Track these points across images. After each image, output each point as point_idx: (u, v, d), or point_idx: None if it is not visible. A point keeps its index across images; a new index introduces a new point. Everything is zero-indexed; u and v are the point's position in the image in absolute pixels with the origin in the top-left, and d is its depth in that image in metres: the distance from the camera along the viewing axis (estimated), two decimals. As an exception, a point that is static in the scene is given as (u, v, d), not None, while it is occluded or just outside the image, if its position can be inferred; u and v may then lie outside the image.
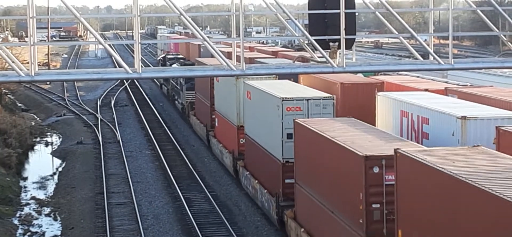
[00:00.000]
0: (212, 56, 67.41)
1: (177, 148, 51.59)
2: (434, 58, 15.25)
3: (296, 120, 28.35)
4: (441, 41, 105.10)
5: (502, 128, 21.05)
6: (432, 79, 40.31)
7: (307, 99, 30.88)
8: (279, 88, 33.76)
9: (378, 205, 20.95)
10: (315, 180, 26.17)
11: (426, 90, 32.39)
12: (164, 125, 61.26)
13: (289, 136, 29.93)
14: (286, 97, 30.91)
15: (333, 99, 30.87)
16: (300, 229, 27.53)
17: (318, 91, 32.83)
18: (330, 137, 24.22)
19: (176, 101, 68.48)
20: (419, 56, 15.67)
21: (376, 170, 20.91)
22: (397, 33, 15.51)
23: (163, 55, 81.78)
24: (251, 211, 35.98)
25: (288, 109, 30.70)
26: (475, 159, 17.47)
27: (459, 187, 15.71)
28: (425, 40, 15.81)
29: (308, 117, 29.80)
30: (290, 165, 29.62)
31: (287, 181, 30.23)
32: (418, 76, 41.57)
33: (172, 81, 69.65)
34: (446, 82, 38.93)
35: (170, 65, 68.86)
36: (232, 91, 40.83)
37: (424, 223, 17.47)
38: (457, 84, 36.77)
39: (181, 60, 72.76)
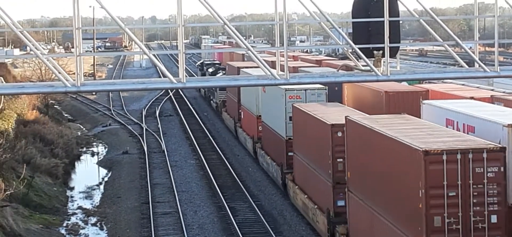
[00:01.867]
0: (244, 60, 68.47)
1: (222, 158, 51.74)
2: (480, 65, 15.11)
3: (294, 105, 36.52)
4: (487, 48, 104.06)
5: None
6: (477, 87, 39.94)
7: (305, 89, 38.75)
8: None
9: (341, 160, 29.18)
10: (306, 150, 34.44)
11: (472, 98, 32.09)
12: (209, 135, 61.45)
13: (290, 118, 37.96)
14: (288, 88, 38.44)
15: (326, 89, 38.54)
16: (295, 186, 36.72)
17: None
18: (311, 112, 33.17)
19: (212, 101, 76.97)
20: (464, 64, 15.54)
21: (339, 134, 29.32)
22: (442, 41, 15.40)
23: (202, 61, 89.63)
24: (296, 220, 35.96)
25: (290, 97, 38.68)
26: (399, 123, 24.93)
27: (380, 138, 23.64)
28: (470, 47, 15.67)
29: (306, 103, 37.83)
30: (291, 141, 37.80)
31: (289, 154, 38.33)
32: (463, 84, 41.21)
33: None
34: (492, 90, 38.54)
35: (207, 70, 79.23)
36: (253, 87, 46.72)
37: (358, 165, 25.96)
38: (503, 92, 36.40)
39: (217, 65, 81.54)
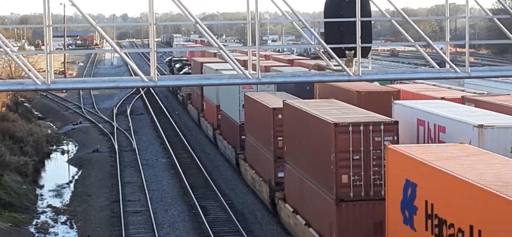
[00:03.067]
0: (204, 55, 72.43)
1: (192, 156, 51.72)
2: (451, 66, 15.17)
3: (246, 94, 41.93)
4: (458, 49, 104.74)
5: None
6: (448, 88, 40.18)
7: None
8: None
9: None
10: (254, 132, 40.08)
11: (443, 98, 32.26)
12: (180, 133, 61.37)
13: (243, 106, 43.25)
14: (223, 73, 43.59)
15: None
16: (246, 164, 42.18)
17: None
18: (258, 99, 38.79)
19: (178, 94, 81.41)
20: (435, 65, 15.59)
21: (279, 116, 34.76)
22: (413, 41, 15.44)
23: (170, 57, 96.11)
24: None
25: (243, 88, 43.26)
26: (324, 105, 30.29)
27: (306, 116, 28.95)
28: (442, 48, 15.73)
29: (257, 92, 42.29)
30: (244, 125, 43.26)
31: (242, 137, 43.49)
32: (434, 85, 41.43)
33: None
34: (463, 90, 38.80)
35: (174, 65, 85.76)
36: None
37: (292, 141, 31.35)
38: (474, 93, 36.63)
39: (184, 61, 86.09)
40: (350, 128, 25.40)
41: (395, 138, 25.37)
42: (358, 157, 25.35)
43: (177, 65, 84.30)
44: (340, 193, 25.42)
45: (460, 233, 16.73)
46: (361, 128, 25.44)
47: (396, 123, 25.85)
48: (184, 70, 77.93)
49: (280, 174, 34.10)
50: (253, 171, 39.69)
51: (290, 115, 31.78)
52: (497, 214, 15.16)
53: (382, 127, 25.42)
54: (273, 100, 37.32)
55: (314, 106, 29.88)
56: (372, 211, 24.97)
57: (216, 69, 53.66)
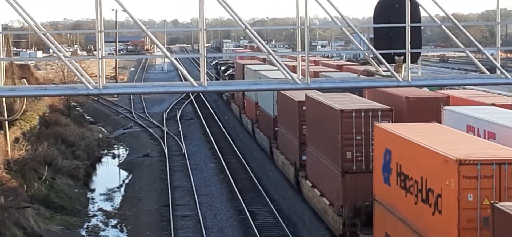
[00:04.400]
0: (265, 63, 74.35)
1: (243, 163, 51.85)
2: (501, 72, 15.07)
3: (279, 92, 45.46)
4: (509, 55, 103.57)
5: None
6: (499, 94, 39.74)
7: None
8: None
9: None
10: (284, 123, 46.45)
11: (493, 104, 31.92)
12: (229, 138, 61.57)
13: (276, 101, 48.11)
14: (261, 73, 53.20)
15: None
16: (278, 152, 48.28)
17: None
18: (287, 94, 43.70)
19: (223, 94, 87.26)
20: (485, 70, 15.49)
21: (304, 108, 39.84)
22: (463, 47, 15.37)
23: (216, 61, 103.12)
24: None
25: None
26: (337, 97, 35.46)
27: (320, 106, 35.35)
28: (492, 54, 15.62)
29: None
30: (277, 118, 48.73)
31: (276, 128, 48.84)
32: (484, 91, 41.00)
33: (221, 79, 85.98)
34: (514, 96, 38.31)
35: (220, 68, 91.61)
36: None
37: (312, 128, 37.73)
38: (525, 99, 36.16)
39: (229, 64, 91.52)
40: (353, 114, 31.40)
41: (390, 122, 30.15)
42: (359, 138, 31.18)
43: (223, 68, 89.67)
44: (345, 166, 31.39)
45: (416, 183, 22.62)
46: (362, 114, 31.36)
47: (391, 109, 31.36)
48: (228, 72, 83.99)
49: (304, 157, 39.65)
50: (283, 157, 45.78)
51: (311, 106, 37.72)
52: (437, 167, 20.77)
53: (379, 113, 31.24)
54: (300, 94, 39.68)
55: (328, 98, 34.76)
56: (370, 180, 28.29)
57: (255, 70, 59.19)
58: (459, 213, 19.38)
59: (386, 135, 25.69)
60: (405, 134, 24.13)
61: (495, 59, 15.14)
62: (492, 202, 17.76)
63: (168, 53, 14.30)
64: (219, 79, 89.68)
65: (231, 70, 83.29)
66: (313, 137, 37.24)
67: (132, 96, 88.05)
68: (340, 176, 31.50)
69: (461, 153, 20.04)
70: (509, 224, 16.46)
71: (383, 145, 25.77)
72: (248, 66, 65.40)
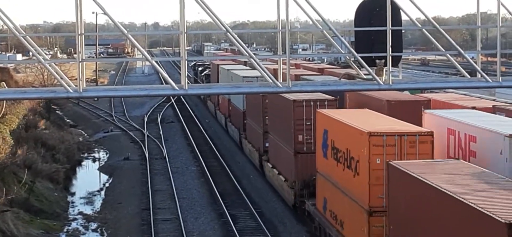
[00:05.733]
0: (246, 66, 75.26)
1: (226, 169, 51.80)
2: (482, 75, 15.10)
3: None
4: (489, 58, 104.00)
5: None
6: (479, 97, 39.85)
7: (256, 77, 49.73)
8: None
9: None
10: (251, 116, 52.80)
11: (474, 108, 32.01)
12: (210, 142, 61.53)
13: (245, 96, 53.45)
14: (244, 75, 54.77)
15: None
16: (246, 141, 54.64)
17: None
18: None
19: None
20: (466, 74, 15.53)
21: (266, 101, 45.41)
22: (444, 50, 15.39)
23: (194, 63, 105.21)
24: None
25: (246, 82, 50.10)
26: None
27: (278, 98, 40.27)
28: (473, 57, 15.66)
29: None
30: (245, 112, 54.29)
31: (245, 121, 54.38)
32: (465, 94, 41.12)
33: (198, 80, 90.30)
34: (494, 100, 38.47)
35: (198, 68, 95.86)
36: (228, 78, 62.58)
37: (273, 117, 43.17)
38: (505, 102, 36.34)
39: (206, 65, 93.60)
40: (304, 103, 36.59)
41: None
42: (309, 123, 36.17)
43: (200, 68, 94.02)
44: (297, 147, 36.87)
45: (343, 154, 28.35)
46: (311, 103, 36.37)
47: (336, 100, 36.63)
48: (204, 72, 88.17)
49: (267, 144, 45.19)
50: (250, 145, 51.66)
51: (272, 99, 42.91)
52: (356, 140, 26.63)
53: (326, 103, 36.11)
54: None
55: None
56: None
57: (228, 70, 63.35)
58: (370, 173, 25.28)
59: (324, 118, 31.66)
60: (337, 116, 30.23)
61: (475, 62, 15.17)
62: (388, 161, 22.94)
63: (148, 56, 14.25)
64: (197, 80, 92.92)
65: (207, 71, 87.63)
66: (274, 125, 42.88)
67: (112, 100, 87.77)
68: (293, 155, 37.07)
69: (372, 127, 26.14)
70: (397, 175, 21.52)
71: (322, 126, 31.77)
72: (222, 66, 69.60)
